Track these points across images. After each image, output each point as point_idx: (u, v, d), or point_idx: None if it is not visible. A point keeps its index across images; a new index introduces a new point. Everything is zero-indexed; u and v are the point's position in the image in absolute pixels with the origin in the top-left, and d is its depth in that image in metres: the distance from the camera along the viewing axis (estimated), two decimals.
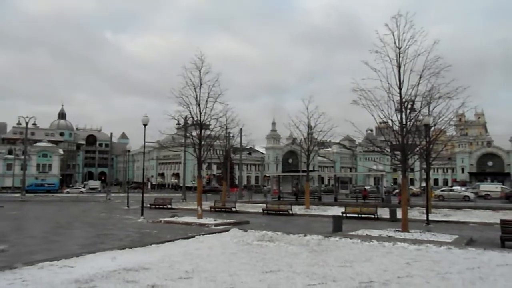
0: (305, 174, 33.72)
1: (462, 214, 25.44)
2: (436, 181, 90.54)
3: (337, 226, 16.68)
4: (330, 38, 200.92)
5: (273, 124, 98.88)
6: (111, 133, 66.82)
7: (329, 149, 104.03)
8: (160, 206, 31.84)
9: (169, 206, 31.40)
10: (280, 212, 26.73)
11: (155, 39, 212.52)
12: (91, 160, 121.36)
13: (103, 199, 46.06)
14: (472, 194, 41.45)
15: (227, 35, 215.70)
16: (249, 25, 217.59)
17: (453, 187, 50.98)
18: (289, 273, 8.07)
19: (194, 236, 13.72)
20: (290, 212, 26.27)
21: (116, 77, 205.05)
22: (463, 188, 49.17)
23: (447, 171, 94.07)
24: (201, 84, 21.02)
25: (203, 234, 14.27)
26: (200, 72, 20.91)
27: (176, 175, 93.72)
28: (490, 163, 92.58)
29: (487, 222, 20.66)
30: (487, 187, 48.56)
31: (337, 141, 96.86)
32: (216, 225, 18.64)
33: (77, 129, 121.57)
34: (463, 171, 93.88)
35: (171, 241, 12.79)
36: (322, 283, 7.29)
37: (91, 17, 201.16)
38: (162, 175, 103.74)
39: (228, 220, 20.73)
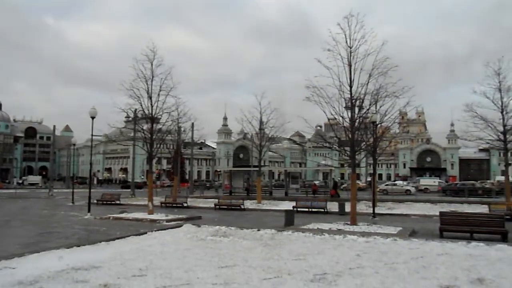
0: (257, 169, 34.02)
1: (404, 207, 26.85)
2: (380, 176, 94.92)
3: (289, 220, 17.00)
4: (282, 34, 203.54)
5: (225, 119, 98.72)
6: (54, 126, 63.33)
7: (280, 144, 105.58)
8: (108, 202, 30.75)
9: (118, 202, 30.41)
10: (232, 207, 26.79)
11: (102, 28, 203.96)
12: (31, 154, 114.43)
13: (44, 195, 43.59)
14: (413, 188, 43.94)
15: (178, 26, 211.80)
16: (200, 16, 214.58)
17: (396, 182, 53.81)
18: (245, 268, 8.12)
19: (146, 233, 13.39)
20: (242, 207, 26.41)
21: (59, 66, 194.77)
22: (405, 183, 52.07)
23: (390, 166, 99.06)
24: (153, 77, 20.49)
25: (155, 230, 13.96)
26: (152, 65, 20.38)
27: (124, 170, 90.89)
28: (429, 159, 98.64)
29: (427, 214, 21.97)
30: (426, 181, 51.68)
31: (288, 137, 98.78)
32: (168, 220, 18.31)
33: (14, 120, 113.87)
34: (404, 166, 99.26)
35: (122, 238, 12.39)
36: (278, 277, 7.40)
37: (30, 0, 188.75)
38: (109, 170, 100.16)
39: (180, 216, 20.45)
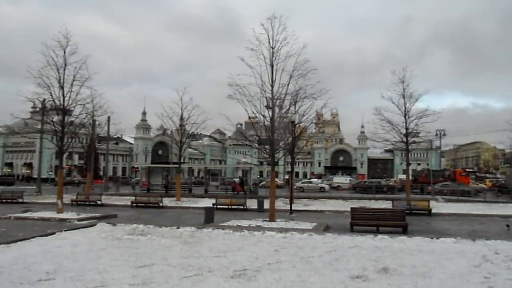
0: (176, 166, 33.36)
1: (319, 203, 28.28)
2: (297, 174, 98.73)
3: (209, 218, 16.93)
4: (207, 29, 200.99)
5: (144, 113, 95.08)
6: None
7: (201, 141, 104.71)
8: (9, 200, 27.94)
9: (21, 200, 27.78)
10: (150, 205, 25.97)
11: (4, 7, 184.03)
12: None
13: None
14: (327, 185, 46.39)
15: (95, 12, 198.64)
16: (118, 3, 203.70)
17: (312, 180, 56.29)
18: (164, 267, 7.92)
19: (54, 233, 12.42)
20: (161, 204, 25.72)
21: None
22: (320, 181, 54.69)
23: (306, 165, 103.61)
24: (65, 65, 18.96)
25: (65, 230, 13.00)
26: (64, 52, 18.84)
27: (29, 165, 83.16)
28: (341, 158, 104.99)
29: (339, 210, 23.37)
30: (339, 179, 54.84)
31: (209, 134, 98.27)
32: (79, 219, 17.15)
33: None
34: (319, 165, 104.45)
35: (26, 240, 11.34)
36: (198, 274, 7.34)
37: None
38: (10, 165, 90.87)
39: (94, 214, 19.27)
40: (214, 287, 6.57)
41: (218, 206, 23.88)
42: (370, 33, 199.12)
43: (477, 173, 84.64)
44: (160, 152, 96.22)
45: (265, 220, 16.87)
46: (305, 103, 22.04)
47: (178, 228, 13.50)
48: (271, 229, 13.90)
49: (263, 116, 17.25)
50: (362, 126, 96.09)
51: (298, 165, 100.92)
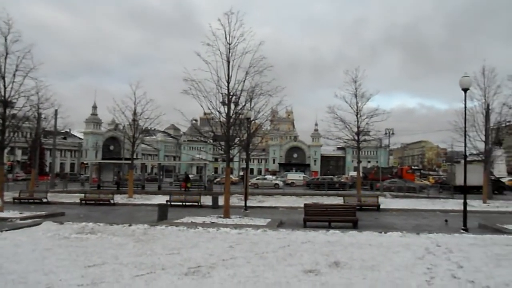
0: (129, 162, 32.43)
1: (273, 200, 28.62)
2: (252, 170, 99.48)
3: (162, 215, 16.65)
4: (163, 22, 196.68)
5: (94, 107, 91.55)
6: None
7: (154, 137, 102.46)
8: None
9: None
10: (101, 202, 25.08)
11: None
12: None
13: None
14: (281, 182, 46.99)
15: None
16: None
17: (266, 176, 56.84)
18: (115, 265, 7.67)
19: None
20: (112, 201, 24.93)
21: None
22: (274, 177, 55.34)
23: (261, 162, 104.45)
24: (7, 54, 17.77)
25: (6, 230, 12.25)
26: (6, 39, 17.65)
27: None
28: (295, 155, 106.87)
29: (293, 206, 23.78)
30: (292, 176, 55.80)
31: (163, 129, 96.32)
32: (22, 218, 16.21)
33: None
34: (274, 162, 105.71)
35: None
36: (151, 272, 7.19)
37: None
38: None
39: (39, 213, 18.31)
40: (167, 285, 6.45)
41: (172, 203, 23.52)
42: (326, 32, 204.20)
43: (422, 171, 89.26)
44: (111, 147, 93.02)
45: (220, 216, 16.84)
46: (260, 100, 22.22)
47: (130, 225, 13.14)
48: (226, 225, 13.90)
49: (219, 112, 17.16)
50: (316, 124, 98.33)
51: (253, 162, 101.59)
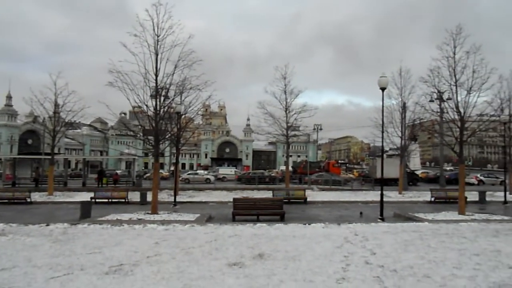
0: (49, 157, 30.31)
1: (204, 194, 28.52)
2: (183, 165, 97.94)
3: (85, 212, 15.86)
4: (91, 8, 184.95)
5: (9, 97, 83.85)
6: None
7: (79, 130, 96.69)
8: None
9: None
10: (16, 201, 23.23)
11: None
12: None
13: None
14: (212, 177, 46.95)
15: None
16: None
17: (198, 171, 56.39)
18: (27, 268, 7.17)
19: None
20: (29, 200, 23.20)
21: None
22: (206, 172, 55.08)
23: (193, 156, 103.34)
24: None
25: None
26: None
27: None
28: (228, 150, 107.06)
29: (223, 201, 23.91)
30: (224, 170, 55.94)
31: (89, 123, 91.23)
32: None
33: None
34: (206, 157, 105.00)
35: None
36: (68, 274, 6.83)
37: None
38: None
39: None
40: (85, 286, 6.18)
41: (97, 200, 22.49)
42: (260, 27, 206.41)
43: (347, 165, 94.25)
44: (30, 141, 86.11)
45: (148, 213, 16.44)
46: (190, 94, 22.01)
47: (47, 225, 12.34)
48: (153, 221, 13.62)
49: (146, 105, 16.66)
50: (248, 119, 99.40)
51: (185, 157, 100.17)
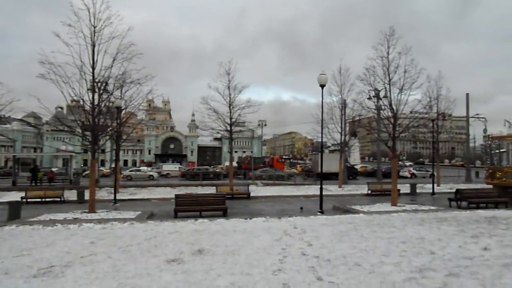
0: None
1: (146, 192, 27.84)
2: (126, 162, 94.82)
3: (14, 213, 14.85)
4: None
5: None
6: None
7: (8, 125, 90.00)
8: None
9: None
10: None
11: None
12: None
13: None
14: (156, 173, 45.90)
15: None
16: None
17: (140, 168, 54.85)
18: None
19: None
20: None
21: None
22: (149, 168, 53.73)
23: (136, 153, 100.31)
24: None
25: None
26: None
27: None
28: (172, 146, 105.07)
29: (166, 197, 23.49)
30: (168, 167, 54.87)
31: (20, 117, 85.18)
32: None
33: None
34: (150, 153, 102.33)
35: None
36: None
37: None
38: None
39: None
40: None
41: (29, 200, 21.19)
42: (207, 21, 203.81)
43: (291, 160, 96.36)
44: None
45: (84, 211, 15.78)
46: (131, 88, 21.35)
47: None
48: (90, 220, 13.10)
49: (83, 100, 15.90)
50: (193, 115, 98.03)
51: (127, 153, 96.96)
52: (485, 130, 40.39)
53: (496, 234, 9.62)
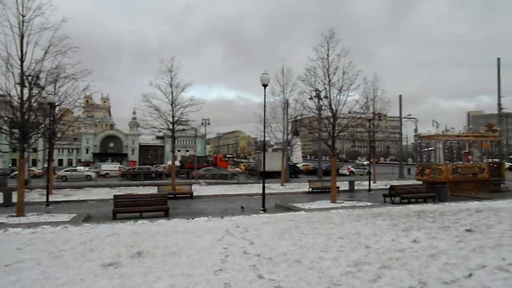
0: None
1: (83, 192, 26.49)
2: (61, 161, 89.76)
3: None
4: None
5: None
6: None
7: None
8: None
9: None
10: None
11: None
12: None
13: None
14: (94, 173, 43.86)
15: None
16: None
17: (77, 167, 52.18)
18: None
19: None
20: None
21: None
22: (87, 168, 51.26)
23: (72, 152, 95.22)
24: None
25: None
26: None
27: None
28: (112, 144, 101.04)
29: (105, 198, 22.50)
30: (107, 166, 52.73)
31: None
32: None
33: None
34: (87, 152, 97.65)
35: None
36: None
37: None
38: None
39: None
40: None
41: None
42: (150, 16, 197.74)
43: (235, 159, 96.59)
44: None
45: (12, 215, 14.65)
46: (66, 83, 20.20)
47: None
48: (18, 225, 12.18)
49: (9, 94, 14.73)
50: (134, 112, 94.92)
51: (62, 152, 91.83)
52: (416, 130, 43.22)
53: (424, 227, 10.30)
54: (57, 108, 23.39)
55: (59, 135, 26.04)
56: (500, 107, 37.06)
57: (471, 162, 24.53)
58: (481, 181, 23.77)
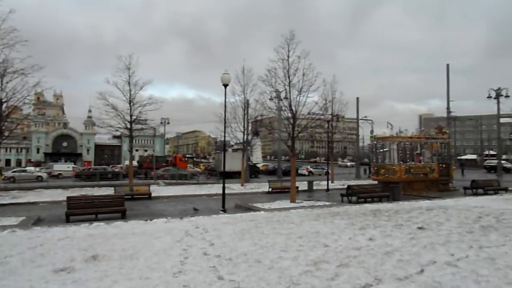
0: None
1: (33, 194, 25.18)
2: (8, 161, 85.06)
3: None
4: None
5: None
6: None
7: None
8: None
9: None
10: None
11: None
12: None
13: None
14: (45, 174, 41.80)
15: None
16: None
17: (27, 168, 49.57)
18: None
19: None
20: None
21: None
22: (37, 169, 48.78)
23: (21, 151, 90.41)
24: None
25: None
26: None
27: None
28: (65, 144, 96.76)
29: (57, 200, 21.51)
30: (60, 166, 50.43)
31: None
32: None
33: None
34: (38, 151, 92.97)
35: None
36: None
37: None
38: None
39: None
40: None
41: None
42: (108, 10, 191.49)
43: (194, 159, 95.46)
44: None
45: None
46: (14, 79, 19.16)
47: None
48: None
49: None
50: (90, 110, 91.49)
51: (10, 152, 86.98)
52: (371, 131, 44.74)
53: (380, 225, 10.65)
54: (4, 105, 22.07)
55: (6, 133, 24.55)
56: (449, 111, 39.16)
57: (422, 163, 25.72)
58: (432, 181, 24.99)
